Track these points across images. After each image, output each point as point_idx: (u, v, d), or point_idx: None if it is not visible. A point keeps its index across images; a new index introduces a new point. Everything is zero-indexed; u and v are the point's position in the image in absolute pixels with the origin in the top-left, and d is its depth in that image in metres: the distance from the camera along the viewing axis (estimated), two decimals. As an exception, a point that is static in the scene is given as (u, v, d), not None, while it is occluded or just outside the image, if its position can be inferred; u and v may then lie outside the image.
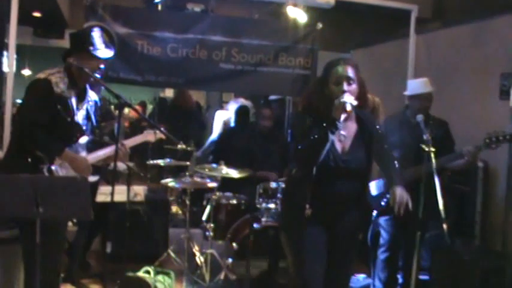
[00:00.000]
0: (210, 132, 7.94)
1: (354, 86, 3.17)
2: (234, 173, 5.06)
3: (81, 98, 3.64)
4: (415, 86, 4.77)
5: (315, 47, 6.41)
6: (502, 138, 4.22)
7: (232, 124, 7.10)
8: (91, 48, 3.49)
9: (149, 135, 4.20)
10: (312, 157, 3.11)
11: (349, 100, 3.05)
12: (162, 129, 4.16)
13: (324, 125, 3.05)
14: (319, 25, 6.39)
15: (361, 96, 3.22)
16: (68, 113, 3.50)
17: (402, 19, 6.73)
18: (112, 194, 3.40)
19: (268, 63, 6.28)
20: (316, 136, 3.07)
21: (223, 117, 7.66)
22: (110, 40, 3.60)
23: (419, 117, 4.17)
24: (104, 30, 3.60)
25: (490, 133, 4.24)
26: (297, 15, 6.47)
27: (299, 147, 3.21)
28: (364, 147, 3.30)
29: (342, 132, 3.14)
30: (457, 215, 5.44)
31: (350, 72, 3.17)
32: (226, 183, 5.39)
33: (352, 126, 3.31)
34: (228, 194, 5.36)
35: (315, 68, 6.35)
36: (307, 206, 3.15)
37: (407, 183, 4.47)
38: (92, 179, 3.73)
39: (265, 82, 6.27)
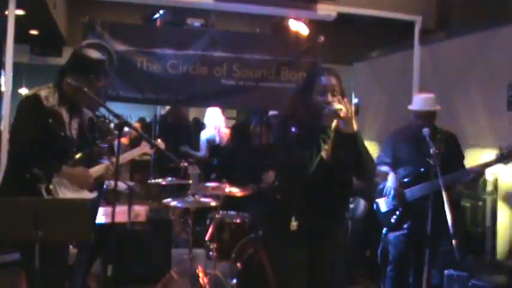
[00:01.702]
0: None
1: (338, 97, 3.21)
2: (237, 191, 5.06)
3: (73, 112, 3.64)
4: (418, 102, 4.80)
5: (317, 61, 6.43)
6: None
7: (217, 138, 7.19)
8: (92, 76, 3.53)
9: (146, 147, 4.21)
10: (306, 168, 3.12)
11: (339, 107, 3.09)
12: (162, 147, 4.17)
13: (315, 134, 3.10)
14: (321, 38, 6.42)
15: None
16: (60, 127, 3.50)
17: (406, 30, 6.76)
18: (113, 214, 3.40)
19: (270, 78, 6.29)
20: (309, 146, 3.10)
21: (207, 134, 7.72)
22: (109, 60, 3.62)
23: (426, 131, 4.18)
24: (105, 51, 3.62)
25: (502, 148, 4.24)
26: (299, 28, 6.50)
27: (287, 157, 3.21)
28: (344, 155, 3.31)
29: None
30: (466, 231, 5.43)
31: (334, 82, 3.22)
32: (229, 202, 5.38)
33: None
34: (232, 212, 5.35)
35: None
36: (293, 218, 3.18)
37: (416, 199, 4.55)
38: (92, 195, 3.73)
39: (268, 97, 6.26)
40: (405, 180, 4.69)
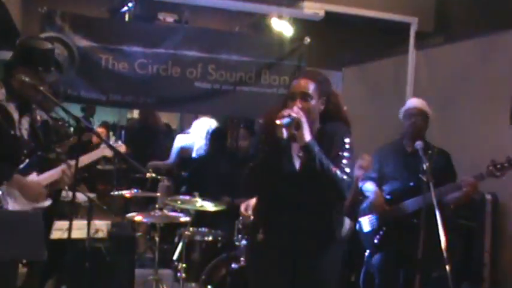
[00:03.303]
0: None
1: (313, 103, 3.24)
2: (210, 206, 5.05)
3: (23, 111, 3.62)
4: (406, 103, 4.93)
5: (302, 64, 6.42)
6: (508, 164, 4.27)
7: (194, 153, 7.12)
8: (41, 69, 3.51)
9: (106, 150, 4.18)
10: (260, 178, 3.22)
11: (286, 120, 3.07)
12: (122, 150, 4.15)
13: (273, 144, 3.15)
14: (307, 39, 6.42)
15: (332, 111, 3.35)
16: (10, 124, 3.48)
17: (400, 33, 6.82)
18: (69, 229, 3.37)
19: (250, 82, 6.28)
20: (275, 154, 3.17)
21: (183, 142, 7.62)
22: (70, 56, 3.61)
23: (418, 144, 4.23)
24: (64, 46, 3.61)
25: (494, 160, 4.29)
26: (283, 28, 6.53)
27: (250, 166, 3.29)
28: None
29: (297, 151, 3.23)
30: (462, 255, 5.46)
31: (309, 87, 3.24)
32: (201, 218, 5.36)
33: None
34: (203, 229, 5.34)
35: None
36: (260, 230, 3.25)
37: (404, 217, 4.58)
38: (44, 204, 3.68)
39: (246, 103, 6.25)
40: (389, 197, 4.74)
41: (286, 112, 3.08)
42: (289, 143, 3.19)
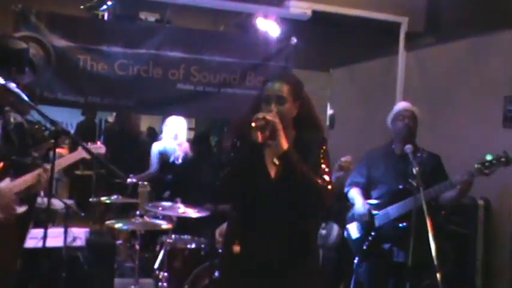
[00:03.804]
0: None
1: (287, 106, 3.21)
2: (193, 212, 5.02)
3: None
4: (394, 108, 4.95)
5: (288, 65, 6.44)
6: (496, 161, 4.27)
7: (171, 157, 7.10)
8: (14, 69, 3.48)
9: (83, 152, 4.15)
10: (233, 187, 3.18)
11: (262, 123, 3.04)
12: (101, 151, 4.12)
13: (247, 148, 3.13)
14: (294, 40, 6.44)
15: (305, 116, 3.32)
16: None
17: (390, 33, 6.83)
18: (44, 237, 3.32)
19: (234, 83, 6.29)
20: (245, 160, 3.14)
21: (160, 147, 7.56)
22: (46, 57, 3.58)
23: (408, 148, 4.22)
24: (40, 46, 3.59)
25: (483, 158, 4.30)
26: (268, 28, 6.51)
27: (224, 172, 3.25)
28: None
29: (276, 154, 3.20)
30: (454, 263, 5.45)
31: (284, 90, 3.22)
32: (184, 224, 5.34)
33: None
34: (186, 236, 5.31)
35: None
36: (236, 241, 3.19)
37: (393, 222, 4.58)
38: (19, 210, 3.63)
39: (230, 105, 6.23)
40: (377, 202, 4.75)
41: (261, 115, 3.05)
42: (262, 149, 3.15)
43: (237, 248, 3.18)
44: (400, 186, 4.55)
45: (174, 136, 7.38)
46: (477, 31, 5.89)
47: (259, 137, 3.03)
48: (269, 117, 3.04)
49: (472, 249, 5.39)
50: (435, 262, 3.68)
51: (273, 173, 3.23)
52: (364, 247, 4.75)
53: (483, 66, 5.75)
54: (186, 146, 7.36)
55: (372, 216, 4.72)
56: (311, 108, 3.40)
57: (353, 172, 5.00)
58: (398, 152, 4.74)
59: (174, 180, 6.91)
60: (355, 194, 4.86)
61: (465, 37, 6.06)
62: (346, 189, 4.97)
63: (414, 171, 4.00)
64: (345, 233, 4.95)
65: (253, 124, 3.00)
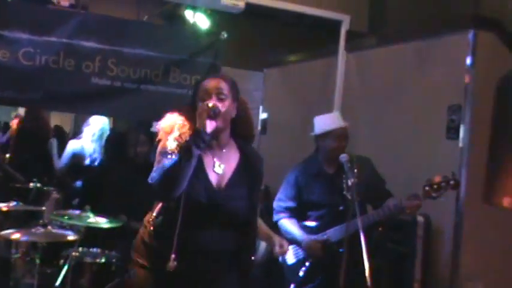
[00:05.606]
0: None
1: (227, 103, 3.26)
2: (103, 222, 4.96)
3: None
4: (326, 121, 4.95)
5: (217, 62, 6.44)
6: (445, 183, 4.36)
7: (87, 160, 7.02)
8: None
9: None
10: (170, 183, 3.10)
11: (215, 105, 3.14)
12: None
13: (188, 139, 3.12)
14: (224, 34, 6.44)
15: (241, 121, 3.40)
16: None
17: (330, 32, 6.90)
18: None
19: (156, 80, 6.26)
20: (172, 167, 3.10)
21: (76, 146, 7.46)
22: None
23: (343, 157, 4.21)
24: None
25: (431, 179, 4.38)
26: (197, 20, 6.51)
27: (153, 174, 3.21)
28: (247, 188, 3.37)
29: (217, 161, 3.27)
30: (390, 283, 5.53)
31: (223, 87, 3.29)
32: (93, 236, 5.26)
33: (233, 158, 3.40)
34: (95, 250, 5.23)
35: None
36: (173, 256, 3.15)
37: (331, 246, 4.61)
38: None
39: (151, 104, 6.19)
40: (315, 224, 4.80)
41: (210, 104, 3.12)
42: (199, 157, 3.16)
43: (172, 264, 3.14)
44: (341, 208, 4.57)
45: (96, 137, 7.30)
46: (423, 34, 5.94)
47: (209, 126, 3.07)
48: (218, 105, 3.14)
49: (409, 269, 5.47)
50: (368, 283, 3.72)
51: (214, 180, 3.28)
52: (301, 273, 4.75)
53: (428, 72, 5.78)
54: None
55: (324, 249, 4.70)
56: (249, 113, 3.48)
57: (279, 195, 5.02)
58: (331, 170, 4.80)
59: (84, 185, 6.81)
60: (292, 228, 4.86)
61: (409, 40, 6.12)
62: (275, 218, 4.97)
63: (350, 182, 4.02)
64: (280, 258, 4.89)
65: (210, 104, 3.10)
